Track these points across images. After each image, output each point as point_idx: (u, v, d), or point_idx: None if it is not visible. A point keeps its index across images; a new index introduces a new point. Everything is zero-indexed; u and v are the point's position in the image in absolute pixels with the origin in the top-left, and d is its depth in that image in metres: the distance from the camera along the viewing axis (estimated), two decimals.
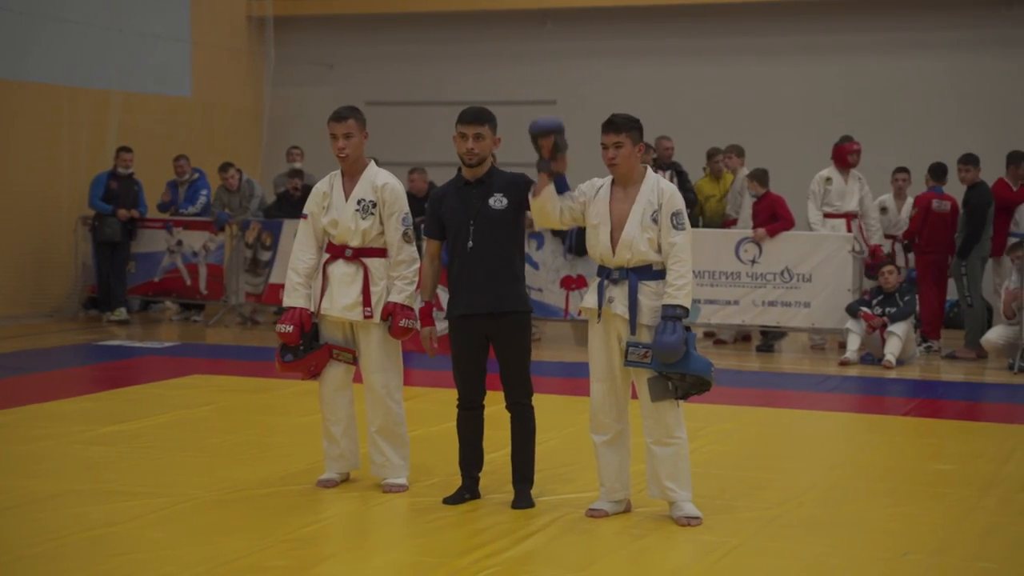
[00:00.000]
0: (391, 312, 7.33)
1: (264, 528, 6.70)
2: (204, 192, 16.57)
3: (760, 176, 14.10)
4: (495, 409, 7.34)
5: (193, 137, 18.24)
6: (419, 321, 7.25)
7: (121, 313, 15.94)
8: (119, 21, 17.06)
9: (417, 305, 7.28)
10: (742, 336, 14.81)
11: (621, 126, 6.77)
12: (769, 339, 14.32)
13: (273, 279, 15.70)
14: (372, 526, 7.10)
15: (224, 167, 16.33)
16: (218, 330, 15.60)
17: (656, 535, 6.66)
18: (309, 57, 19.85)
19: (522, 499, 7.15)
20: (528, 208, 7.06)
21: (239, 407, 10.37)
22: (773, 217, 13.83)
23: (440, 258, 7.25)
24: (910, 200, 14.51)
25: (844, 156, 14.21)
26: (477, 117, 7.02)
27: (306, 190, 15.74)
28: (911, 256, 14.50)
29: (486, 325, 7.04)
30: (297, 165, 16.72)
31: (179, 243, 16.30)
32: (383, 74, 19.61)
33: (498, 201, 7.01)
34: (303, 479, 7.71)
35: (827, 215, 14.14)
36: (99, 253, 16.15)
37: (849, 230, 14.00)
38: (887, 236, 14.54)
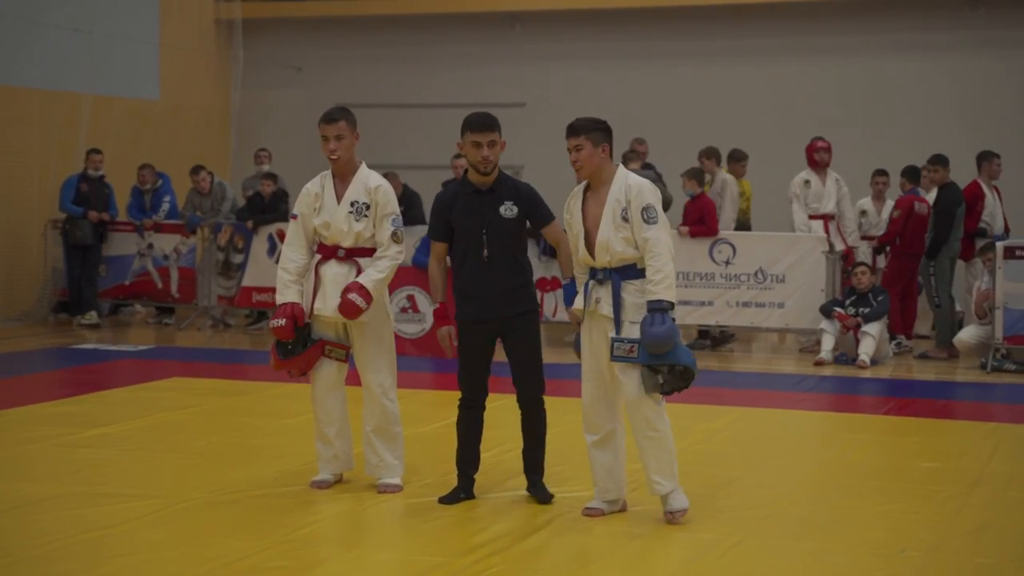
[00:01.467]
0: (348, 288, 7.27)
1: (262, 529, 6.69)
2: (167, 199, 16.45)
3: (697, 175, 14.18)
4: (490, 408, 7.36)
5: (162, 140, 18.16)
6: (434, 322, 7.30)
7: (91, 317, 15.84)
8: (88, 23, 16.97)
9: (431, 307, 7.28)
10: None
11: (580, 129, 6.80)
12: (723, 339, 14.44)
13: (245, 282, 15.67)
14: (370, 526, 7.10)
15: (195, 170, 16.27)
16: (190, 333, 15.53)
17: (655, 534, 6.70)
18: (278, 59, 19.81)
19: (543, 490, 7.24)
20: (542, 225, 7.25)
21: (222, 409, 10.33)
22: (701, 220, 13.94)
23: (446, 260, 7.27)
24: (889, 202, 14.62)
25: (810, 154, 14.32)
26: (489, 124, 7.03)
27: (282, 194, 15.75)
28: (880, 258, 14.59)
29: (498, 326, 7.15)
30: (266, 167, 16.67)
31: (150, 246, 16.22)
32: (352, 76, 19.59)
33: (508, 210, 7.08)
34: (295, 480, 7.71)
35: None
36: (70, 256, 16.03)
37: (827, 231, 14.07)
38: (866, 238, 14.64)
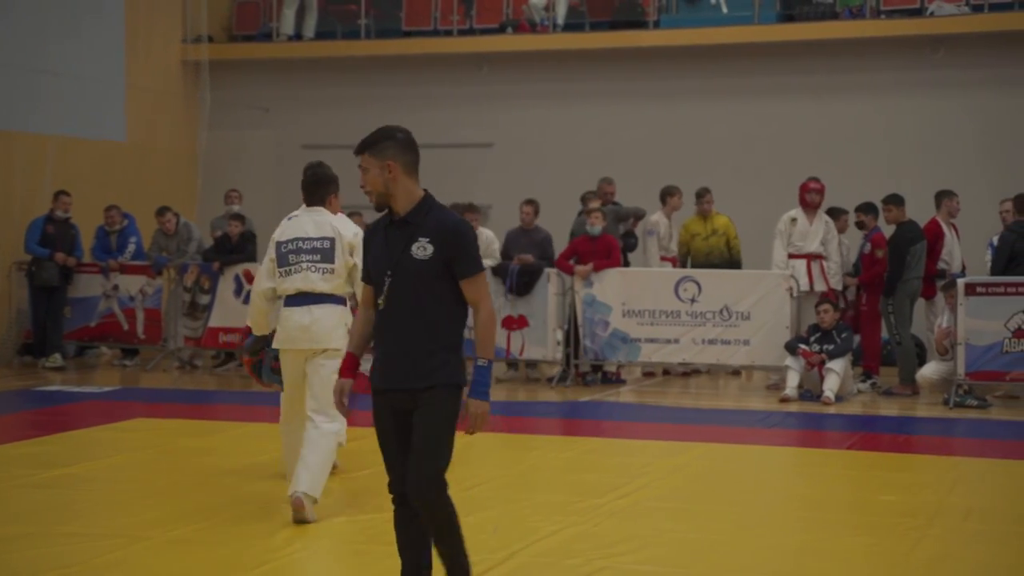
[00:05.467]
0: None
1: (223, 568, 6.67)
2: (133, 240, 16.44)
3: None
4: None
5: (128, 181, 18.14)
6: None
7: (56, 359, 15.76)
8: (54, 65, 16.98)
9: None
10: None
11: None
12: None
13: (212, 323, 15.64)
14: (335, 560, 7.08)
15: (161, 211, 16.25)
16: (156, 374, 15.46)
17: (613, 568, 6.66)
18: (245, 101, 19.84)
19: None
20: (462, 277, 5.43)
21: (186, 449, 10.28)
22: (607, 255, 14.06)
23: (374, 306, 5.52)
24: (847, 241, 14.74)
25: (802, 194, 14.33)
26: (359, 146, 5.65)
27: (249, 235, 15.73)
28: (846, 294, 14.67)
29: (404, 400, 5.42)
30: (236, 208, 16.66)
31: (115, 287, 16.17)
32: (319, 117, 19.64)
33: (422, 248, 5.39)
34: (259, 518, 7.68)
35: (789, 255, 14.24)
36: (35, 298, 15.98)
37: (809, 270, 14.14)
38: None
